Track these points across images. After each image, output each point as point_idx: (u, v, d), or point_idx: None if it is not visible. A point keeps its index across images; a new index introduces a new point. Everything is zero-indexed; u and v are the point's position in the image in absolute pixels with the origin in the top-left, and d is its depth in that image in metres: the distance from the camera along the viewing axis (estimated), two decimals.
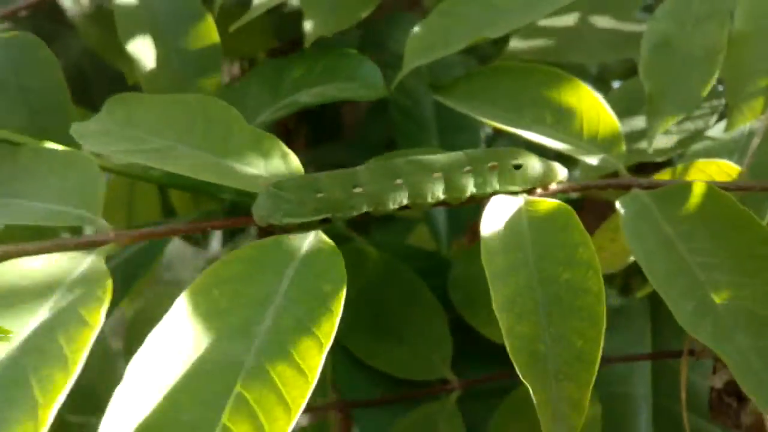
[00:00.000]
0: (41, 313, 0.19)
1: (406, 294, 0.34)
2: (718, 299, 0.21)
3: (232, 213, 0.36)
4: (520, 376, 0.19)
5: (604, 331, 0.20)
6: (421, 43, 0.31)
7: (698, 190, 0.24)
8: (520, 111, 0.30)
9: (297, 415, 0.18)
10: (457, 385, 0.33)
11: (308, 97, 0.32)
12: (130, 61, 0.38)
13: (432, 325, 0.33)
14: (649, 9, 0.45)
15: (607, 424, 0.33)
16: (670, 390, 0.35)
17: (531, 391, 0.19)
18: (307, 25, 0.37)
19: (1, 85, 0.36)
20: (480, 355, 0.34)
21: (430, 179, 0.23)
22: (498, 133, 0.50)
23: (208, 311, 0.19)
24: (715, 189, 0.24)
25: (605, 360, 0.21)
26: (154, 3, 0.38)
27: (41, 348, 0.18)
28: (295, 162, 0.24)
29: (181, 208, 0.50)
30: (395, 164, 0.23)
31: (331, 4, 0.38)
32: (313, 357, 0.18)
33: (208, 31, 0.38)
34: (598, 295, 0.20)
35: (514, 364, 0.20)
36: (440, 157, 0.24)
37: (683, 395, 0.29)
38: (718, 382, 0.27)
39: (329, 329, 0.19)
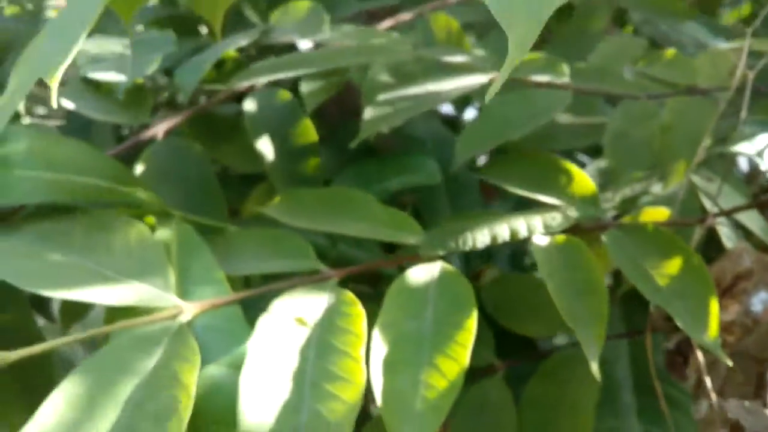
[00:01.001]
0: None
1: None
2: (663, 284, 0.38)
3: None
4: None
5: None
6: (468, 142, 0.48)
7: (649, 226, 0.41)
8: (535, 183, 0.47)
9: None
10: (500, 367, 0.49)
11: (394, 184, 0.48)
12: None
13: (480, 326, 0.49)
14: (610, 101, 0.62)
15: (602, 395, 0.48)
16: (643, 368, 0.50)
17: None
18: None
19: (166, 176, 0.52)
20: (511, 345, 0.50)
21: (519, 225, 0.39)
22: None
23: (398, 305, 0.34)
24: (658, 225, 0.41)
25: None
26: (268, 111, 0.55)
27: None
28: (416, 226, 0.40)
29: None
30: (500, 215, 0.40)
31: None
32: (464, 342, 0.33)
33: (308, 130, 0.54)
34: (603, 287, 0.37)
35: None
36: (531, 211, 0.40)
37: (652, 367, 0.45)
38: (671, 345, 0.44)
39: (469, 323, 0.33)
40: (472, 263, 0.56)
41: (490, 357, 0.48)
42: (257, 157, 0.52)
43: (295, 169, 0.52)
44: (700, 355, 0.43)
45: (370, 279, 0.53)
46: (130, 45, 0.58)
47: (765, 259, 0.43)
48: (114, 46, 0.60)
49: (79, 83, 0.54)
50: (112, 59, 0.55)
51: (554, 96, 0.51)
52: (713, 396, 0.41)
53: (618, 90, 0.55)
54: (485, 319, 0.50)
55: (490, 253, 0.62)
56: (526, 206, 0.46)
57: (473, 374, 0.49)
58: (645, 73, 0.57)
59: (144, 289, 0.34)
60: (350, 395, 0.29)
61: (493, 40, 0.71)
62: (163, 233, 0.38)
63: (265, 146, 0.52)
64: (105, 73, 0.51)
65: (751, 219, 0.50)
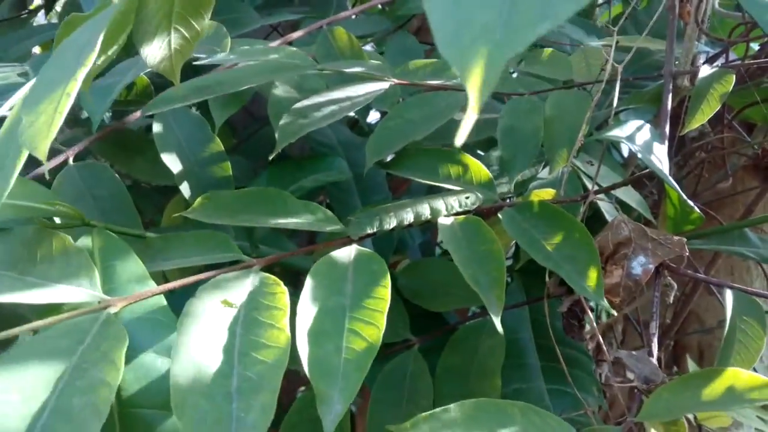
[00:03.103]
0: None
1: None
2: (552, 250, 0.42)
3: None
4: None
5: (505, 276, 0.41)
6: (377, 145, 0.52)
7: (536, 203, 0.46)
8: (436, 172, 0.51)
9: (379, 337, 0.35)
10: (416, 342, 0.52)
11: (308, 183, 0.51)
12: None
13: (396, 307, 0.53)
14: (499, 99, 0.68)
15: (508, 360, 0.53)
16: (545, 332, 0.55)
17: None
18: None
19: (80, 196, 0.52)
20: (424, 321, 0.54)
21: (424, 209, 0.43)
22: None
23: (319, 283, 0.37)
24: (544, 201, 0.46)
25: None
26: (175, 127, 0.57)
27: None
28: (328, 212, 0.44)
29: None
30: (406, 202, 0.43)
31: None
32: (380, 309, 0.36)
33: (216, 144, 0.56)
34: (501, 256, 0.41)
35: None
36: (428, 197, 0.44)
37: (551, 331, 0.50)
38: (564, 308, 0.49)
39: (384, 293, 0.37)
40: (385, 253, 0.60)
41: (406, 333, 0.52)
42: (169, 169, 0.54)
43: (206, 177, 0.54)
44: (592, 316, 0.48)
45: (291, 280, 0.55)
46: (31, 71, 0.59)
47: (641, 228, 0.49)
48: (13, 76, 0.61)
49: None
50: (15, 89, 0.56)
51: (451, 97, 0.56)
52: (606, 349, 0.46)
53: (506, 89, 0.60)
54: (401, 301, 0.53)
55: (404, 245, 0.67)
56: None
57: (392, 350, 0.52)
58: (528, 72, 0.63)
59: (70, 289, 0.35)
60: (275, 357, 0.31)
61: (390, 48, 0.76)
62: (85, 241, 0.40)
63: (173, 159, 0.54)
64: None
65: (629, 196, 0.57)
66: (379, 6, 0.87)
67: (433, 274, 0.53)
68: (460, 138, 0.18)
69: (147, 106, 0.50)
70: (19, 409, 0.28)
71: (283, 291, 0.36)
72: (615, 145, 0.75)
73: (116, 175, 0.53)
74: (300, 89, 0.62)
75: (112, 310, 0.34)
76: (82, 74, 0.29)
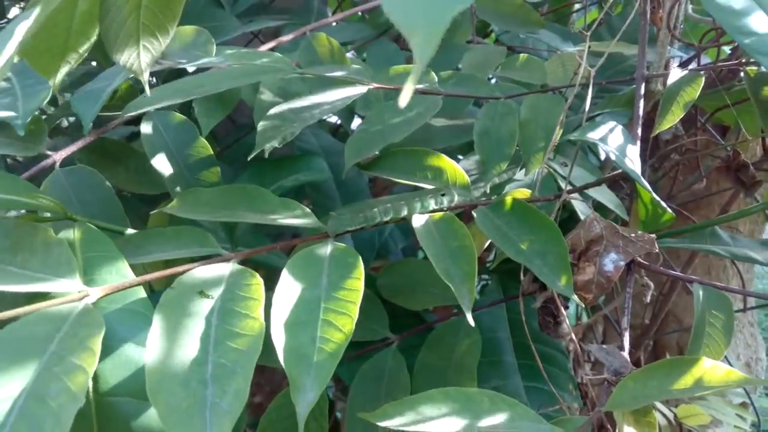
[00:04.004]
0: None
1: None
2: (524, 247, 0.43)
3: None
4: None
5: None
6: (355, 147, 0.53)
7: (509, 202, 0.47)
8: (414, 173, 0.52)
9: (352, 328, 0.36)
10: (394, 340, 0.53)
11: (288, 182, 0.52)
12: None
13: (375, 306, 0.54)
14: (477, 104, 0.69)
15: (486, 358, 0.54)
16: (521, 331, 0.56)
17: None
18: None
19: (67, 200, 0.53)
20: (403, 320, 0.55)
21: (401, 206, 0.44)
22: None
23: (295, 276, 0.38)
24: (519, 200, 0.47)
25: (476, 308, 0.42)
26: (164, 131, 0.57)
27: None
28: (306, 209, 0.45)
29: None
30: (384, 200, 0.44)
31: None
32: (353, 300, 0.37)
33: (204, 146, 0.57)
34: (473, 252, 0.42)
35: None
36: (406, 195, 0.45)
37: (526, 328, 0.51)
38: (538, 304, 0.50)
39: (357, 284, 0.38)
40: (367, 256, 0.61)
41: (385, 332, 0.53)
42: (151, 178, 0.54)
43: (196, 180, 0.55)
44: (572, 315, 0.49)
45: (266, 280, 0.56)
46: (19, 81, 0.60)
47: (612, 225, 0.50)
48: None
49: None
50: (1, 96, 0.56)
51: (427, 101, 0.57)
52: (578, 344, 0.47)
53: (482, 93, 0.61)
54: (380, 301, 0.54)
55: (387, 249, 0.68)
56: None
57: (371, 347, 0.53)
58: (505, 76, 0.65)
59: (50, 279, 0.36)
60: (249, 345, 0.32)
61: (371, 54, 0.77)
62: (67, 234, 0.41)
63: (163, 163, 0.54)
64: None
65: (605, 197, 0.58)
66: (359, 14, 0.88)
67: (412, 274, 0.54)
68: (403, 101, 0.19)
69: (128, 106, 0.51)
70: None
71: (258, 282, 0.36)
72: (592, 148, 0.77)
73: (104, 179, 0.54)
74: (284, 95, 0.63)
75: (90, 299, 0.35)
76: None
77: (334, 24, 0.78)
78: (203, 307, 0.35)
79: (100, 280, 0.37)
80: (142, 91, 0.61)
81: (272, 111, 0.54)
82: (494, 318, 0.55)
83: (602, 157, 0.77)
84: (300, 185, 0.54)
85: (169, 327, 0.33)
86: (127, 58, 0.45)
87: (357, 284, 0.37)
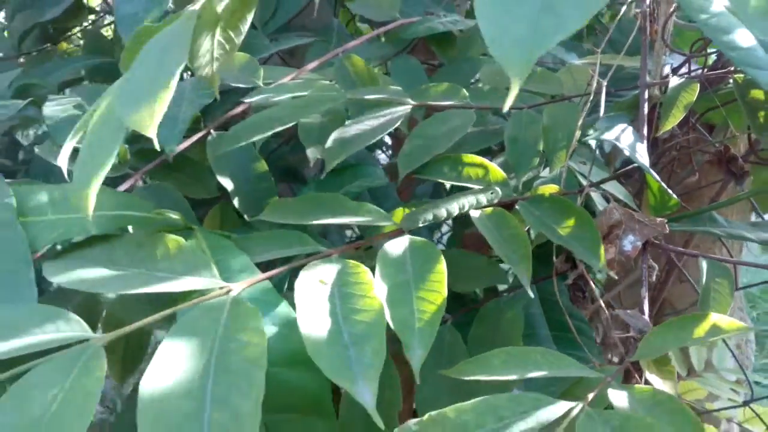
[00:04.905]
0: None
1: None
2: (563, 233, 0.53)
3: None
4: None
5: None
6: (407, 159, 0.62)
7: (546, 195, 0.57)
8: (460, 175, 0.62)
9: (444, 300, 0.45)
10: (448, 318, 0.63)
11: (354, 188, 0.62)
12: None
13: None
14: (499, 114, 0.79)
15: (525, 331, 0.63)
16: (552, 307, 0.66)
17: None
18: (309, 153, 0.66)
19: None
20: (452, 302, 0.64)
21: (463, 204, 0.53)
22: None
23: (386, 264, 0.47)
24: (553, 194, 0.57)
25: (510, 289, 0.51)
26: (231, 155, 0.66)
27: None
28: (381, 210, 0.54)
29: None
30: (446, 200, 0.54)
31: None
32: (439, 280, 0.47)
33: (261, 165, 0.66)
34: (525, 237, 0.52)
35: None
36: (467, 192, 0.54)
37: (561, 304, 0.61)
38: (570, 280, 0.60)
39: (440, 268, 0.47)
40: None
41: None
42: (204, 184, 0.64)
43: (255, 192, 0.64)
44: (595, 288, 0.59)
45: None
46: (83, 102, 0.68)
47: (629, 212, 0.60)
48: (70, 108, 0.70)
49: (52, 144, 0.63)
50: (75, 121, 0.65)
51: (464, 115, 0.66)
52: (607, 311, 0.57)
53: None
54: None
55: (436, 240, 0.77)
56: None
57: None
58: (523, 88, 0.74)
59: (196, 279, 0.45)
60: (373, 318, 0.41)
61: (395, 69, 0.86)
62: (191, 242, 0.49)
63: (226, 181, 0.64)
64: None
65: (616, 189, 0.68)
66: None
67: (457, 263, 0.63)
68: (507, 104, 0.28)
69: (212, 143, 0.59)
70: (188, 367, 0.38)
71: (364, 270, 0.45)
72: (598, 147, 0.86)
73: (181, 195, 0.62)
74: (323, 112, 0.72)
75: (234, 292, 0.44)
76: (178, 70, 0.37)
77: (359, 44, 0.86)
78: (324, 291, 0.44)
79: (234, 278, 0.46)
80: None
81: (335, 135, 0.62)
82: (528, 298, 0.65)
83: (605, 154, 0.87)
84: (362, 191, 0.63)
85: (307, 307, 0.42)
86: (203, 70, 0.53)
87: (440, 268, 0.46)
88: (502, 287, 0.73)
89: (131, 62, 0.40)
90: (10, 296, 0.43)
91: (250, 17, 0.52)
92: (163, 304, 0.45)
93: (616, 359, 0.76)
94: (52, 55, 1.05)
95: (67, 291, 0.48)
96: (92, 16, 1.11)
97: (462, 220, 0.65)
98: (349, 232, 1.01)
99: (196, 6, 0.42)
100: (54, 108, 0.66)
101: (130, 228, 0.52)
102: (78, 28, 1.11)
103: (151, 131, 0.37)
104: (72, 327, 0.41)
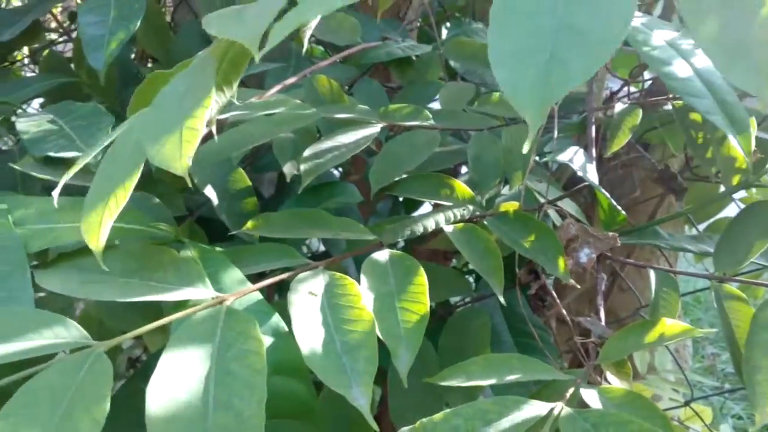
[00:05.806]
0: None
1: None
2: (528, 246, 0.57)
3: None
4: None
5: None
6: (378, 175, 0.66)
7: (511, 212, 0.61)
8: (431, 192, 0.66)
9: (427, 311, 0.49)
10: None
11: (332, 204, 0.65)
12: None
13: None
14: (456, 135, 0.83)
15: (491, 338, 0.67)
16: (512, 316, 0.70)
17: None
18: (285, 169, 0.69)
19: None
20: None
21: (437, 220, 0.57)
22: None
23: (368, 276, 0.50)
24: (517, 210, 0.62)
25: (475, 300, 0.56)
26: (208, 169, 0.68)
27: None
28: (362, 225, 0.57)
29: None
30: (422, 216, 0.57)
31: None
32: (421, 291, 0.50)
33: (242, 177, 0.69)
34: (496, 250, 0.56)
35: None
36: (434, 212, 0.58)
37: (525, 312, 0.65)
38: (533, 291, 0.64)
39: (420, 280, 0.51)
40: None
41: None
42: (174, 203, 0.66)
43: (237, 208, 0.67)
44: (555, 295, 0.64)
45: None
46: (66, 123, 0.69)
47: (584, 227, 0.65)
48: (44, 123, 0.71)
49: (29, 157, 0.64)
50: (54, 137, 0.66)
51: (429, 135, 0.70)
52: (569, 318, 0.62)
53: (467, 126, 0.75)
54: None
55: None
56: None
57: None
58: (478, 110, 0.79)
59: (190, 290, 0.47)
60: (364, 328, 0.44)
61: (359, 91, 0.90)
62: (185, 253, 0.51)
63: (210, 193, 0.66)
64: (64, 153, 0.62)
65: (568, 205, 0.73)
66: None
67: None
68: (526, 147, 0.32)
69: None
70: (190, 373, 0.40)
71: (351, 282, 0.49)
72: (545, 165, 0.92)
73: (164, 206, 0.64)
74: (295, 130, 0.75)
75: (227, 303, 0.46)
76: (200, 112, 0.40)
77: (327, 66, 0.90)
78: (315, 303, 0.47)
79: (227, 289, 0.48)
80: None
81: (309, 151, 0.65)
82: (489, 307, 0.69)
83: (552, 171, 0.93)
84: (339, 206, 0.66)
85: (301, 319, 0.45)
86: None
87: (421, 280, 0.50)
88: (453, 300, 0.77)
89: (141, 106, 0.42)
90: (5, 298, 0.44)
91: (240, 76, 0.54)
92: (153, 314, 0.47)
93: (566, 364, 0.82)
94: (9, 75, 1.04)
95: (45, 298, 0.49)
96: (50, 36, 1.11)
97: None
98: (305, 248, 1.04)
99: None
100: (27, 123, 0.67)
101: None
102: (26, 51, 1.10)
103: (176, 168, 0.39)
104: (71, 333, 0.42)
